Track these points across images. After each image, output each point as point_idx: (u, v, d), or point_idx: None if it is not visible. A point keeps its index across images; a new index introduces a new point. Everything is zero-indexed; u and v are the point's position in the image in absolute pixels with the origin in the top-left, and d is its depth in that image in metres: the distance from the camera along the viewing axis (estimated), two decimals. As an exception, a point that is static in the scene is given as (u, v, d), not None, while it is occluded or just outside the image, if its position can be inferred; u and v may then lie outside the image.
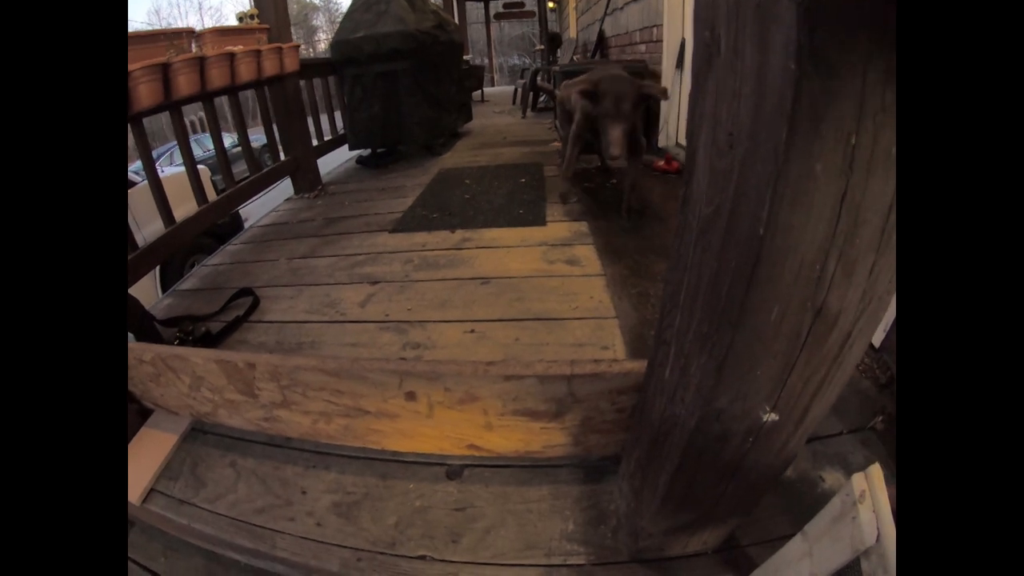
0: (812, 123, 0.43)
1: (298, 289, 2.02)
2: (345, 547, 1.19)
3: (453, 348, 1.65)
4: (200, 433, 1.55)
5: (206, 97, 2.36)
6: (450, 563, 1.14)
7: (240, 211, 3.90)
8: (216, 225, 3.21)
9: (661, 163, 3.13)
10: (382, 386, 1.20)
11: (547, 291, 1.84)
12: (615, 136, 2.02)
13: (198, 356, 1.33)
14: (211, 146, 2.52)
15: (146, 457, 1.48)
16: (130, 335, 1.72)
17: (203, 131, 9.53)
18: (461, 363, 1.18)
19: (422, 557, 1.16)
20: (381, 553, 1.17)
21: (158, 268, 3.08)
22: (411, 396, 1.20)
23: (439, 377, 1.16)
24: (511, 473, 1.33)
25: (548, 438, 1.24)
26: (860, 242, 0.50)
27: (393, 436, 1.31)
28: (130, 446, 1.51)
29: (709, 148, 0.56)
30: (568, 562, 1.12)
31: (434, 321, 1.72)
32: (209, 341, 1.79)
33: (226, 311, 1.91)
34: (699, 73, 0.57)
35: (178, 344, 1.76)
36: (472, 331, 1.70)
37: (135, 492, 1.37)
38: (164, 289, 2.13)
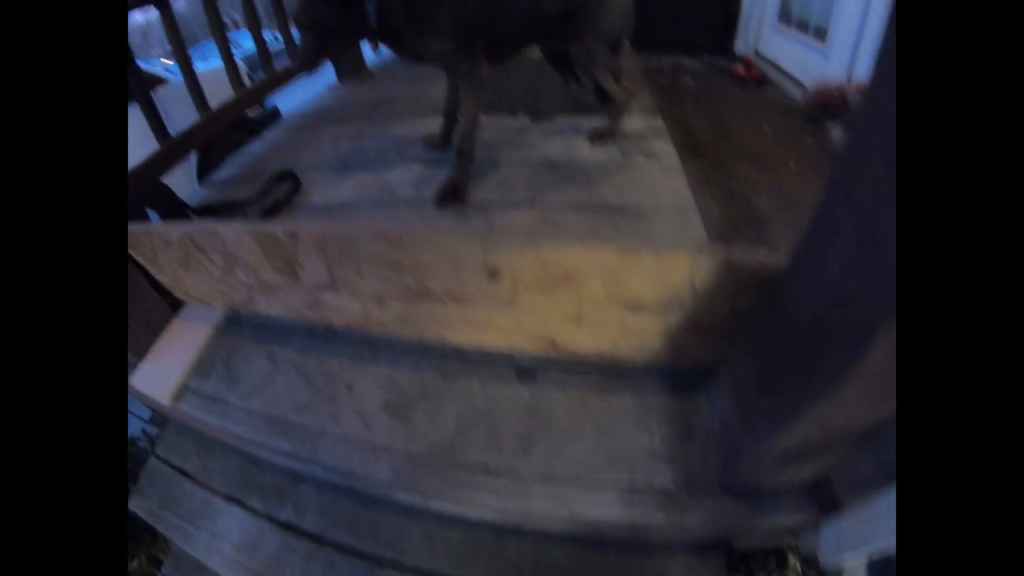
0: None
1: (344, 171, 1.80)
2: (397, 451, 1.02)
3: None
4: (235, 324, 1.39)
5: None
6: (518, 479, 0.96)
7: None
8: (255, 122, 3.02)
9: (740, 69, 2.82)
10: (458, 260, 0.97)
11: (623, 182, 1.60)
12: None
13: (230, 230, 1.13)
14: (245, 44, 2.26)
15: (177, 351, 1.33)
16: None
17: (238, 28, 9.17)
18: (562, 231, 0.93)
19: (485, 466, 0.98)
20: (438, 459, 1.00)
21: (195, 164, 2.91)
22: (494, 274, 0.97)
23: (535, 248, 0.92)
24: (590, 378, 1.12)
25: (642, 339, 1.02)
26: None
27: (458, 326, 1.10)
28: (159, 341, 1.37)
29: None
30: (653, 482, 0.93)
31: (499, 204, 1.49)
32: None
33: (266, 196, 1.71)
34: None
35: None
36: (543, 219, 1.46)
37: (165, 390, 1.24)
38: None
